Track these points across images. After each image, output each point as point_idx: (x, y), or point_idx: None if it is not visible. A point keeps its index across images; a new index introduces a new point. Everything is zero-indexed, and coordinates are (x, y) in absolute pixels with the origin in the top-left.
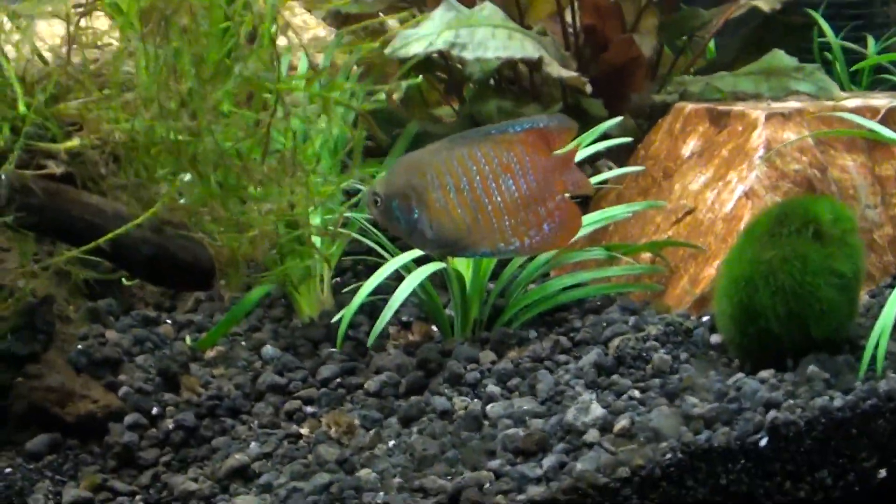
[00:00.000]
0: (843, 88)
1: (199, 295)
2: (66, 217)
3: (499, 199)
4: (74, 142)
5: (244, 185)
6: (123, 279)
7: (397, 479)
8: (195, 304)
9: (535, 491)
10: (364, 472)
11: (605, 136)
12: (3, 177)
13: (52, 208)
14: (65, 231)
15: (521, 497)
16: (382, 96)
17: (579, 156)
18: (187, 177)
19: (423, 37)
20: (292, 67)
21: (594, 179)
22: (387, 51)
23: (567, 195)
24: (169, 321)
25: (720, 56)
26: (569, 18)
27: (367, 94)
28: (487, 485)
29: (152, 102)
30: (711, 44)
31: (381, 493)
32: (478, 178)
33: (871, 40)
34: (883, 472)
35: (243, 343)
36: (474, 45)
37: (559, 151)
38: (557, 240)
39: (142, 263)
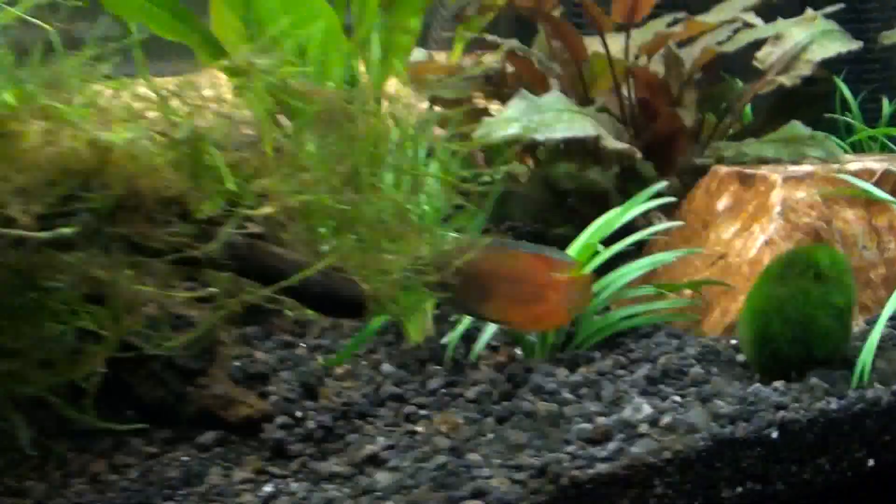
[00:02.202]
0: (862, 148)
1: (324, 324)
2: (260, 264)
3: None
4: (267, 209)
5: (385, 242)
6: (287, 310)
7: (497, 460)
8: (320, 332)
9: (601, 467)
10: (471, 456)
11: (657, 193)
12: (221, 236)
13: (250, 258)
14: (259, 275)
15: (590, 471)
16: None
17: (633, 212)
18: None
19: (501, 124)
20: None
21: (648, 231)
22: (475, 135)
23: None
24: (303, 345)
25: (756, 120)
26: (625, 92)
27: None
28: (566, 462)
29: (323, 181)
30: (748, 109)
31: (486, 469)
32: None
33: (885, 102)
34: (871, 462)
35: (363, 362)
36: (544, 127)
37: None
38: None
39: (313, 298)
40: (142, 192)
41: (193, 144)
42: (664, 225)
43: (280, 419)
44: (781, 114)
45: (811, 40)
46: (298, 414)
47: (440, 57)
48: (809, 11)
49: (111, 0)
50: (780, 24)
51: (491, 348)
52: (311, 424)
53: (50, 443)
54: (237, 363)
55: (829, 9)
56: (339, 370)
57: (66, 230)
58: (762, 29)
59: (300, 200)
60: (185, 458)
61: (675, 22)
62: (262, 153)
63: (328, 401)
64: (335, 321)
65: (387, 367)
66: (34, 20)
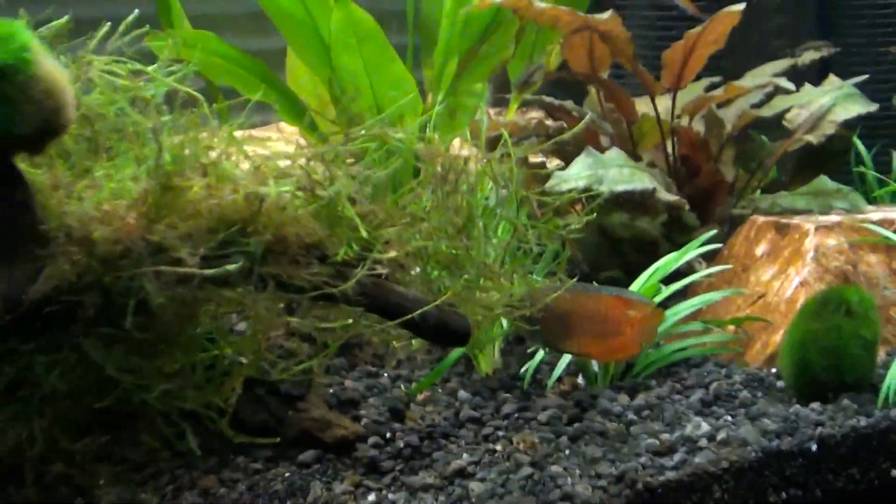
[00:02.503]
0: (874, 199)
1: (401, 357)
2: (384, 301)
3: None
4: (392, 253)
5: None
6: (395, 343)
7: (577, 471)
8: (397, 363)
9: (669, 475)
10: (552, 468)
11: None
12: (354, 276)
13: (378, 295)
14: (384, 310)
15: (661, 478)
16: None
17: (688, 257)
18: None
19: (570, 178)
20: None
21: (701, 273)
22: (547, 186)
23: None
24: (385, 374)
25: (780, 173)
26: (669, 149)
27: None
28: (640, 470)
29: (439, 230)
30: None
31: (569, 478)
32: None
33: (895, 156)
34: (894, 472)
35: (440, 390)
36: (607, 181)
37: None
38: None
39: (429, 330)
40: (288, 238)
41: (331, 198)
42: (716, 268)
43: (372, 439)
44: (807, 168)
45: (834, 103)
46: (388, 434)
47: (498, 117)
48: (833, 78)
49: (206, 65)
50: (807, 89)
51: (556, 379)
52: (399, 444)
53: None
54: (330, 390)
55: (856, 79)
56: (420, 397)
57: (229, 268)
58: (794, 95)
59: (419, 246)
60: (288, 474)
61: (711, 85)
62: (386, 206)
63: (414, 423)
64: (411, 354)
65: (463, 394)
66: (175, 83)
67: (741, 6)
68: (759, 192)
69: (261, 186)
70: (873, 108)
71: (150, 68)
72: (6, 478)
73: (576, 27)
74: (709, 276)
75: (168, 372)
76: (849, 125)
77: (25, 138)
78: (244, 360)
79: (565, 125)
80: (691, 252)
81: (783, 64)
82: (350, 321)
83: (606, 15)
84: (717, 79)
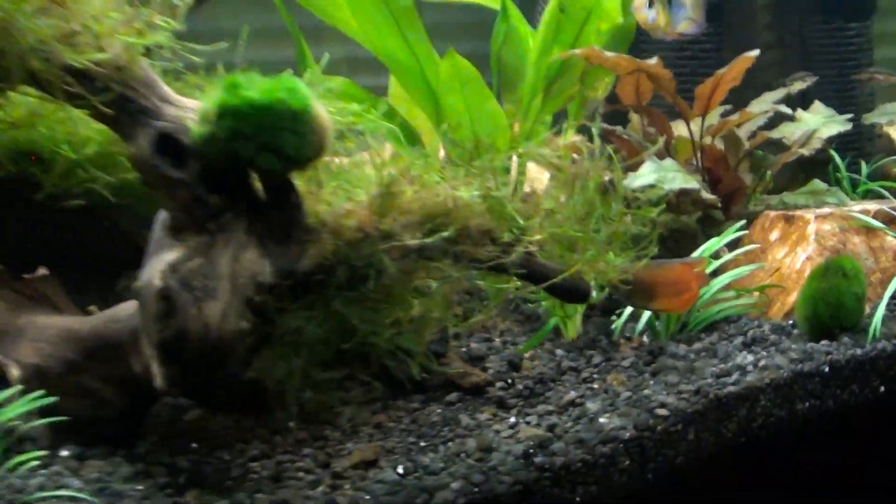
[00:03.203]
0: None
1: (501, 328)
2: (533, 270)
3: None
4: (538, 237)
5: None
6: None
7: (664, 391)
8: (501, 332)
9: (730, 389)
10: (644, 391)
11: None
12: (515, 253)
13: (528, 266)
14: (533, 277)
15: (724, 391)
16: None
17: (726, 240)
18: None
19: (641, 176)
20: None
21: (738, 251)
22: (624, 183)
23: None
24: (496, 340)
25: (777, 180)
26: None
27: None
28: (710, 386)
29: (568, 219)
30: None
31: (659, 396)
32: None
33: (863, 164)
34: (882, 388)
35: (540, 351)
36: (667, 181)
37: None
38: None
39: (562, 291)
40: (471, 227)
41: (499, 200)
42: (748, 247)
43: (498, 384)
44: (800, 174)
45: (821, 124)
46: (509, 380)
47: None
48: (817, 104)
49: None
50: (800, 114)
51: (625, 337)
52: (519, 386)
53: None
54: (462, 349)
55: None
56: (527, 355)
57: (434, 242)
58: (795, 120)
59: (555, 231)
60: (440, 410)
61: (725, 112)
62: (535, 203)
63: (528, 372)
64: (510, 324)
65: (559, 352)
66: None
67: (756, 52)
68: (764, 194)
69: (453, 191)
70: (848, 126)
71: (353, 106)
72: (273, 402)
73: (631, 70)
74: (741, 254)
75: (389, 322)
76: (830, 141)
77: (307, 160)
78: (435, 315)
79: (617, 146)
80: (728, 237)
81: (779, 93)
82: (507, 284)
83: (654, 60)
84: (728, 107)
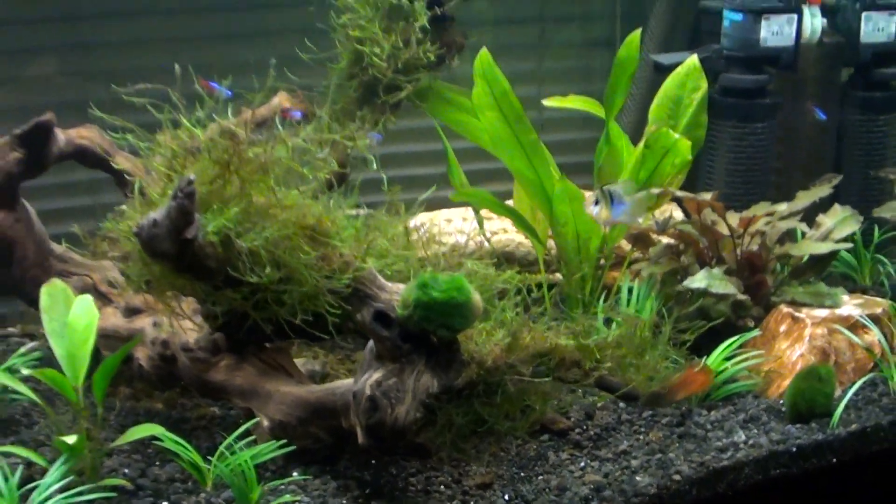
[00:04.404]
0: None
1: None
2: (604, 385)
3: None
4: (607, 364)
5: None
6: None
7: (683, 456)
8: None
9: (724, 462)
10: (671, 454)
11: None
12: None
13: (601, 383)
14: (603, 388)
15: (720, 464)
16: None
17: (740, 342)
18: None
19: (696, 280)
20: None
21: (749, 355)
22: (682, 285)
23: None
24: (578, 392)
25: (793, 269)
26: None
27: None
28: (711, 459)
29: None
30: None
31: (681, 462)
32: None
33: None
34: (834, 460)
35: (607, 402)
36: (713, 287)
37: None
38: None
39: (623, 396)
40: (566, 358)
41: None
42: (749, 333)
43: (576, 430)
44: (811, 270)
45: (836, 224)
46: (584, 426)
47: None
48: (836, 207)
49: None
50: (820, 217)
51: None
52: (591, 432)
53: None
54: (555, 402)
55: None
56: (598, 405)
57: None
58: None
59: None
60: (535, 447)
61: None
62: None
63: (598, 421)
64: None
65: (621, 405)
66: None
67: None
68: (784, 285)
69: (555, 338)
70: (862, 224)
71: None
72: (432, 452)
73: (693, 196)
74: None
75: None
76: (844, 238)
77: (466, 328)
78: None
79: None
80: (743, 338)
81: (814, 193)
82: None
83: (710, 195)
84: (767, 203)
